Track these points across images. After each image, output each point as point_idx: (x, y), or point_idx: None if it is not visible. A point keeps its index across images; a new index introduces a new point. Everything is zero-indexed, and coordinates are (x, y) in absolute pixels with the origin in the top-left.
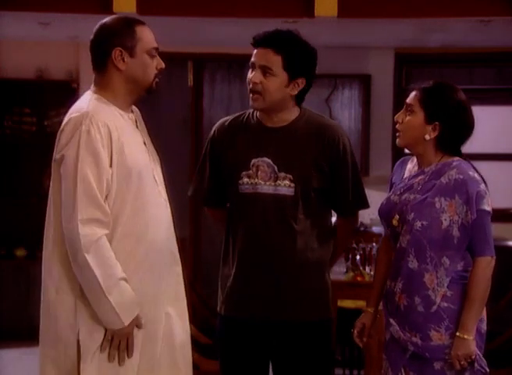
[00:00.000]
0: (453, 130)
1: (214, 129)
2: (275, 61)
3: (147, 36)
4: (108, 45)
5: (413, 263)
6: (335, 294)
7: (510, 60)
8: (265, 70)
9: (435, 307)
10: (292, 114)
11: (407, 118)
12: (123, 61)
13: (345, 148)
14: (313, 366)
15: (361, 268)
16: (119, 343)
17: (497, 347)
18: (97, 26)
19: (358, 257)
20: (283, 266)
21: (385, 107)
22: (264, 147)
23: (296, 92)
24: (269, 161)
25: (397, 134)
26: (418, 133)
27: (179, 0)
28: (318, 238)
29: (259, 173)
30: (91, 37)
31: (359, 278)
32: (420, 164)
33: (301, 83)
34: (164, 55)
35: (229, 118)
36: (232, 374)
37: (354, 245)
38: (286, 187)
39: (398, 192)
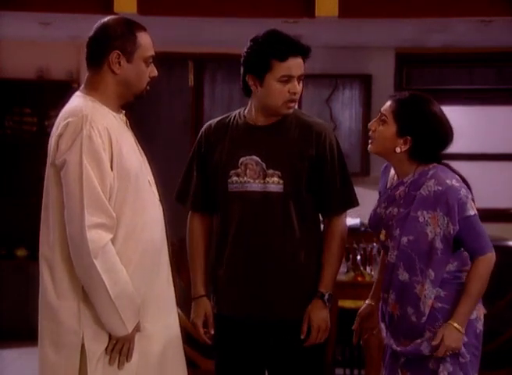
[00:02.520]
0: (426, 144)
1: (201, 131)
2: (303, 66)
3: (146, 43)
4: (107, 46)
5: (403, 276)
6: (335, 294)
7: (510, 60)
8: (301, 78)
9: (424, 318)
10: None
11: (380, 127)
12: (119, 64)
13: (331, 145)
14: (307, 364)
15: (362, 268)
16: (121, 347)
17: (497, 347)
18: (98, 24)
19: (359, 257)
20: (274, 264)
21: None
22: (252, 145)
23: None
24: (257, 159)
25: (369, 141)
26: (389, 145)
27: (179, 0)
28: (308, 238)
29: (248, 171)
30: (90, 34)
31: (360, 278)
32: (397, 173)
33: None
34: (164, 55)
35: (215, 119)
36: (228, 374)
37: (355, 245)
38: (274, 183)
39: (383, 205)
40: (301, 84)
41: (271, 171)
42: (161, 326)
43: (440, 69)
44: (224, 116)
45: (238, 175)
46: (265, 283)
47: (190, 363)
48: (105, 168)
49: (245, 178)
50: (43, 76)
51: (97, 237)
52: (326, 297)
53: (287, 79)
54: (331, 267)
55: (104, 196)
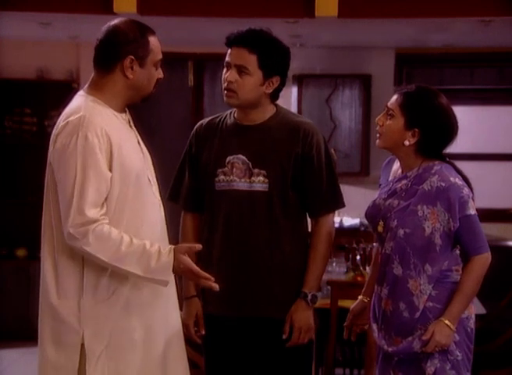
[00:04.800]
0: (434, 136)
1: (193, 130)
2: (251, 60)
3: (157, 47)
4: (121, 51)
5: (397, 269)
6: (335, 294)
7: (510, 60)
8: (241, 69)
9: (418, 313)
10: (267, 112)
11: (388, 122)
12: (132, 69)
13: (319, 145)
14: (292, 364)
15: (362, 268)
16: (191, 277)
17: (498, 347)
18: (108, 27)
19: (358, 257)
20: (259, 263)
21: None
22: (239, 144)
23: (271, 90)
24: (244, 158)
25: (377, 136)
26: (398, 138)
27: (179, 0)
28: (295, 237)
29: (234, 170)
30: (100, 36)
31: (359, 278)
32: (402, 167)
33: (276, 81)
34: (164, 55)
35: (207, 119)
36: (218, 372)
37: (355, 245)
38: (260, 183)
39: (383, 196)
40: (244, 76)
41: (256, 170)
42: (163, 326)
43: (440, 69)
44: (216, 115)
45: (225, 174)
46: (252, 281)
47: (191, 363)
48: (101, 168)
49: (232, 177)
50: (43, 76)
51: (83, 231)
52: (309, 297)
53: (226, 66)
54: (316, 268)
55: (95, 197)
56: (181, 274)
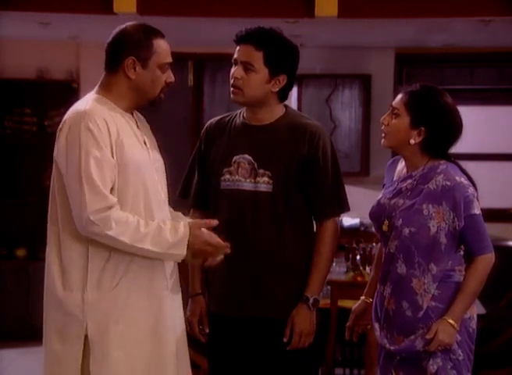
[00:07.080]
0: (439, 135)
1: (203, 129)
2: (256, 57)
3: (162, 50)
4: (123, 52)
5: (401, 268)
6: (335, 294)
7: (510, 60)
8: (247, 66)
9: (421, 312)
10: (275, 113)
11: (393, 121)
12: (134, 70)
13: (325, 147)
14: (292, 366)
15: (361, 268)
16: (210, 249)
17: (497, 347)
18: (117, 29)
19: (358, 257)
20: (262, 263)
21: (385, 107)
22: (245, 144)
23: (277, 89)
24: (250, 158)
25: (382, 135)
26: (403, 137)
27: (179, 0)
28: (298, 238)
29: (240, 169)
30: (109, 39)
31: (359, 278)
32: (407, 167)
33: (282, 80)
34: None
35: (217, 117)
36: (221, 371)
37: (355, 245)
38: (264, 183)
39: (388, 196)
40: (250, 73)
41: (261, 171)
42: (171, 320)
43: (440, 69)
44: (226, 114)
45: (230, 173)
46: (252, 281)
47: (191, 364)
48: (105, 157)
49: (237, 176)
50: (43, 76)
51: (103, 216)
52: (311, 301)
53: (234, 63)
54: (319, 271)
55: (103, 185)
56: (197, 250)
